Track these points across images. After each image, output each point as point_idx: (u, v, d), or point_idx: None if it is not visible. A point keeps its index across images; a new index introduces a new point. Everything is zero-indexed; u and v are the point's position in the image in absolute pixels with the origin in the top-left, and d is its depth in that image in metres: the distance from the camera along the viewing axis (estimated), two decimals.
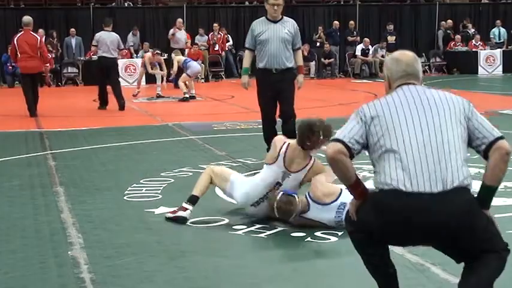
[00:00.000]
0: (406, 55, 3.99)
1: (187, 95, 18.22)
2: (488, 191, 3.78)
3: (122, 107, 16.03)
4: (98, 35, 16.63)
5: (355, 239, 3.89)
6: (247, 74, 9.21)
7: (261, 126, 9.22)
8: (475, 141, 3.80)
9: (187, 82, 18.41)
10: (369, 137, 3.78)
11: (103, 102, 16.30)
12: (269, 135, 8.69)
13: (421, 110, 3.76)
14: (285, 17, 9.08)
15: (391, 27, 27.48)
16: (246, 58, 9.18)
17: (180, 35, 24.01)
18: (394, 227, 3.66)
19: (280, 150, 6.16)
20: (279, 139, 6.42)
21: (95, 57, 18.93)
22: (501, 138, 3.76)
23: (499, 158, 3.72)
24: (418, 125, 3.72)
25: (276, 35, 8.81)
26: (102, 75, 16.36)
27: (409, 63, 3.93)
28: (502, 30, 28.53)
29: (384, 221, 3.67)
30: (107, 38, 16.23)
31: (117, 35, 16.56)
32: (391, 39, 26.98)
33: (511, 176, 7.80)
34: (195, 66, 18.70)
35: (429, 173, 3.62)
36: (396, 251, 5.28)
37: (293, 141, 6.21)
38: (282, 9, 8.96)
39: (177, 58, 19.57)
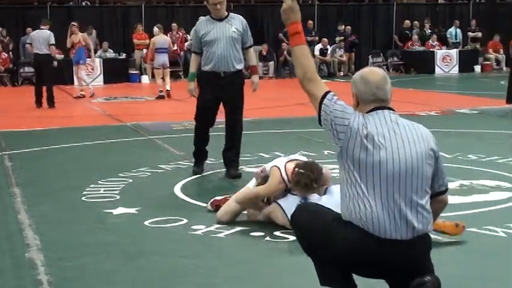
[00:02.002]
0: (375, 75, 3.85)
1: (163, 93, 18.11)
2: None
3: (49, 105, 16.30)
4: (31, 34, 17.13)
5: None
6: (194, 80, 8.27)
7: (200, 134, 8.31)
8: (432, 181, 3.84)
9: (164, 78, 18.25)
10: (350, 143, 3.72)
11: (37, 101, 16.35)
12: (201, 147, 8.30)
13: (400, 142, 3.73)
14: (231, 14, 8.25)
15: (341, 27, 27.69)
16: (193, 62, 8.26)
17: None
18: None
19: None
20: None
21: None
22: (447, 190, 3.97)
23: (441, 209, 4.01)
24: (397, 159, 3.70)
25: (223, 35, 7.97)
26: (37, 73, 16.78)
27: (379, 86, 3.80)
28: (458, 30, 28.86)
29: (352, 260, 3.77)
30: (39, 36, 16.47)
31: (50, 32, 16.63)
32: (339, 39, 27.21)
33: (465, 175, 7.98)
34: (160, 56, 18.46)
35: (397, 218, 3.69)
36: None
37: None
38: (230, 6, 8.44)
39: (153, 40, 19.16)
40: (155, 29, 19.17)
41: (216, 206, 6.40)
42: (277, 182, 5.92)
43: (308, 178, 5.68)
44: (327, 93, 3.85)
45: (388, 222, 3.64)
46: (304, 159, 6.21)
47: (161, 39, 18.85)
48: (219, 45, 7.94)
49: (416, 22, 29.01)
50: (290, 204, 5.63)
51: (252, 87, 8.37)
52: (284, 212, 5.77)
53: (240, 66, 8.09)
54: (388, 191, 3.65)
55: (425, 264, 3.80)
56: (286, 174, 5.88)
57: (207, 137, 8.28)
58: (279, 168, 5.96)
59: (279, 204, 5.88)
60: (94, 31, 25.11)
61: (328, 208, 4.05)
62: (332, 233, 3.77)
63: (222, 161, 8.28)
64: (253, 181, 6.41)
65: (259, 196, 6.10)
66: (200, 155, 8.33)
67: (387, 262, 3.70)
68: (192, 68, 8.28)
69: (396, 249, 3.66)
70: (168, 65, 18.70)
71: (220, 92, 8.00)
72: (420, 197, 3.70)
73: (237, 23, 8.08)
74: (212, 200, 6.58)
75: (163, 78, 18.35)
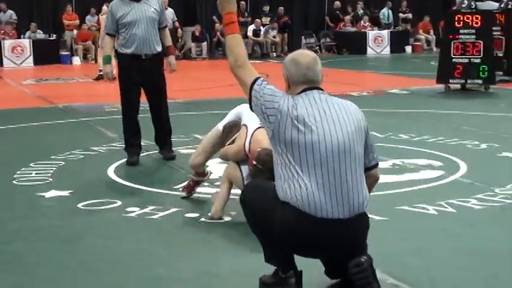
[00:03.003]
0: (305, 57, 3.90)
1: (102, 73, 17.68)
2: None
3: None
4: None
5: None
6: (110, 62, 8.06)
7: (129, 121, 7.98)
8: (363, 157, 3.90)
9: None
10: (281, 127, 3.75)
11: None
12: (133, 133, 7.94)
13: (330, 123, 3.76)
14: None
15: (266, 8, 27.73)
16: (108, 45, 7.95)
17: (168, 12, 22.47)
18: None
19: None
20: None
21: None
22: (377, 165, 4.06)
23: (372, 184, 4.08)
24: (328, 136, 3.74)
25: (143, 15, 7.70)
26: None
27: (309, 67, 3.85)
28: (390, 11, 29.19)
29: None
30: None
31: None
32: (266, 20, 27.26)
33: (397, 154, 8.11)
34: None
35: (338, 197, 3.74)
36: None
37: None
38: None
39: (103, 18, 18.68)
40: (104, 8, 18.81)
41: (188, 190, 6.31)
42: (238, 149, 5.69)
43: (264, 176, 5.28)
44: (256, 79, 3.90)
45: (325, 202, 3.68)
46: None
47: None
48: (139, 27, 7.69)
49: (352, 2, 29.23)
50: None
51: (170, 69, 8.26)
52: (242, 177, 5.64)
53: (159, 48, 7.91)
54: (323, 172, 3.69)
55: (363, 243, 3.87)
56: (250, 144, 5.55)
57: (137, 126, 7.98)
58: (246, 133, 5.64)
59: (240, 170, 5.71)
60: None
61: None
62: (272, 213, 3.80)
63: (154, 142, 8.22)
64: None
65: (228, 154, 5.80)
66: (132, 146, 7.93)
67: (325, 242, 3.74)
68: (108, 51, 8.01)
69: (334, 229, 3.71)
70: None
71: (142, 75, 7.78)
72: (355, 175, 3.75)
73: (154, 3, 7.85)
74: (182, 188, 6.43)
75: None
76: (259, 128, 5.55)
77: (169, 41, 8.22)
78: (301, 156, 3.69)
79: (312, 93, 3.82)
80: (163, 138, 8.11)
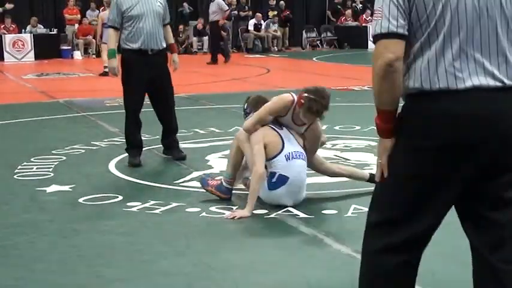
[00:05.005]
0: None
1: (107, 69, 17.64)
2: None
3: None
4: None
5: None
6: (115, 57, 7.71)
7: (132, 118, 7.67)
8: None
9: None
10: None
11: None
12: (135, 131, 7.67)
13: None
14: None
15: (273, 2, 27.74)
16: (112, 38, 7.66)
17: (218, 1, 21.39)
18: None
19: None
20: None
21: None
22: None
23: None
24: None
25: (150, 9, 7.48)
26: None
27: None
28: None
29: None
30: None
31: None
32: (272, 13, 27.27)
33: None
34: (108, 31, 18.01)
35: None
36: (291, 224, 5.37)
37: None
38: None
39: (101, 15, 18.52)
40: (105, 3, 18.79)
41: (210, 189, 6.08)
42: (287, 98, 5.84)
43: (320, 105, 5.61)
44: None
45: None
46: None
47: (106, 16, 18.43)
48: (146, 21, 7.46)
49: None
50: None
51: (173, 67, 7.99)
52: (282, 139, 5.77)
53: (165, 44, 7.68)
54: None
55: None
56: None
57: (139, 124, 7.75)
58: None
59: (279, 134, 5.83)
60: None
61: None
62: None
63: (156, 136, 8.21)
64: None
65: (266, 113, 5.86)
66: (135, 145, 7.69)
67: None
68: (112, 44, 7.69)
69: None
70: None
71: (150, 71, 7.51)
72: None
73: None
74: (205, 183, 6.20)
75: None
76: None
77: (171, 38, 8.04)
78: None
79: None
80: (170, 137, 7.88)
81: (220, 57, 21.24)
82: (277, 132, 5.82)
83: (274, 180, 5.70)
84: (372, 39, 2.98)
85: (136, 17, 7.47)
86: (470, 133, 2.72)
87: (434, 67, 2.74)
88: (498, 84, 2.75)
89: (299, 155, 5.77)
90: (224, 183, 6.00)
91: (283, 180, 5.66)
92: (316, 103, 5.59)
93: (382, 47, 2.80)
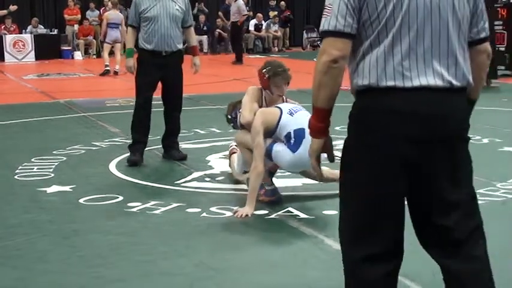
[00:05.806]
0: None
1: (108, 68, 17.67)
2: None
3: None
4: None
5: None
6: (132, 56, 7.88)
7: (141, 115, 7.72)
8: None
9: (115, 54, 17.84)
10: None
11: None
12: (143, 131, 7.71)
13: None
14: None
15: (273, 2, 27.76)
16: (130, 37, 7.79)
17: (239, 3, 21.88)
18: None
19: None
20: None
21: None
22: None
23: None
24: None
25: (166, 12, 7.57)
26: None
27: None
28: None
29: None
30: None
31: None
32: (273, 14, 27.28)
33: None
34: (112, 31, 17.97)
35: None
36: (292, 224, 5.37)
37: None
38: None
39: (105, 15, 18.54)
40: (109, 4, 18.81)
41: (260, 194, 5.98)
42: (252, 86, 6.16)
43: (278, 66, 5.99)
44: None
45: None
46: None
47: (114, 14, 18.35)
48: (161, 23, 7.57)
49: None
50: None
51: (194, 69, 8.09)
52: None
53: (180, 46, 7.76)
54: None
55: None
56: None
57: (148, 124, 7.74)
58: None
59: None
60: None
61: None
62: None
63: (157, 137, 8.20)
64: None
65: (249, 100, 6.03)
66: (138, 142, 7.70)
67: None
68: (129, 44, 7.85)
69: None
70: (120, 41, 18.08)
71: (162, 72, 7.61)
72: None
73: (180, 1, 7.71)
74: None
75: (113, 54, 17.92)
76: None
77: (194, 41, 8.18)
78: None
79: None
80: (172, 138, 7.89)
81: (226, 57, 21.34)
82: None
83: (292, 140, 5.67)
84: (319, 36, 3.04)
85: (152, 18, 7.57)
86: (415, 131, 2.73)
87: (383, 65, 2.76)
88: (446, 85, 2.76)
89: (299, 108, 5.87)
90: (265, 186, 5.95)
91: (300, 134, 5.61)
92: (274, 67, 5.97)
93: (328, 44, 2.82)
